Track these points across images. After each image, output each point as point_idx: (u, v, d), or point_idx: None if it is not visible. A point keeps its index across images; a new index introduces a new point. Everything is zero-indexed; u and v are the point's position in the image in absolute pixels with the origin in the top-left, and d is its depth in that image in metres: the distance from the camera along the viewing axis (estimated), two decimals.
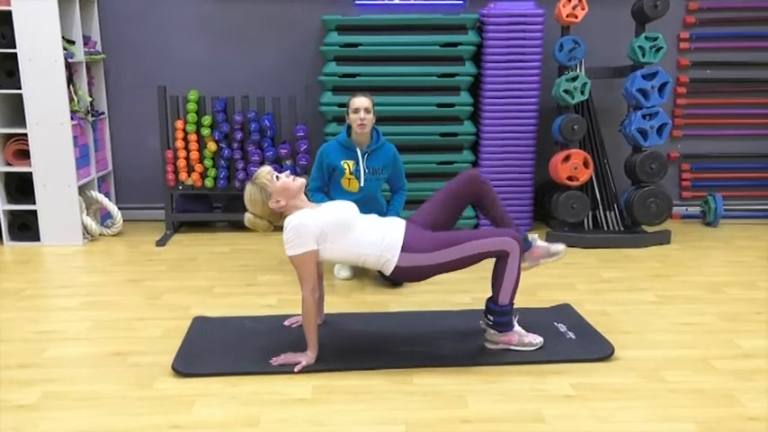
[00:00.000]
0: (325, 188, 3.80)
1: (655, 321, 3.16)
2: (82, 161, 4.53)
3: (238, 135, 4.56)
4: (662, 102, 4.34)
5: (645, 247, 4.39)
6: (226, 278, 3.79)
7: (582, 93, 4.38)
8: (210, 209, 4.94)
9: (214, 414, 2.33)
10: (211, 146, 4.59)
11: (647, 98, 4.31)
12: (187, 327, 3.03)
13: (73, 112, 4.37)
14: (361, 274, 3.85)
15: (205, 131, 4.56)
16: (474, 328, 2.91)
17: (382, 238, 2.66)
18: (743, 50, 5.01)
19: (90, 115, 4.63)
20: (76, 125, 4.45)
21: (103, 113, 4.90)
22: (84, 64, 4.58)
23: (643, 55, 4.30)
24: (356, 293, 3.56)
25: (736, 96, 5.10)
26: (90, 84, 4.73)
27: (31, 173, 4.36)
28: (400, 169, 3.85)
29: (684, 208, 5.17)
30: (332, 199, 3.61)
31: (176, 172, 4.65)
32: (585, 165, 4.40)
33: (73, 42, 4.48)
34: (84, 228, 4.51)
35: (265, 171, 2.72)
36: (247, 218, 2.78)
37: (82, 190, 4.54)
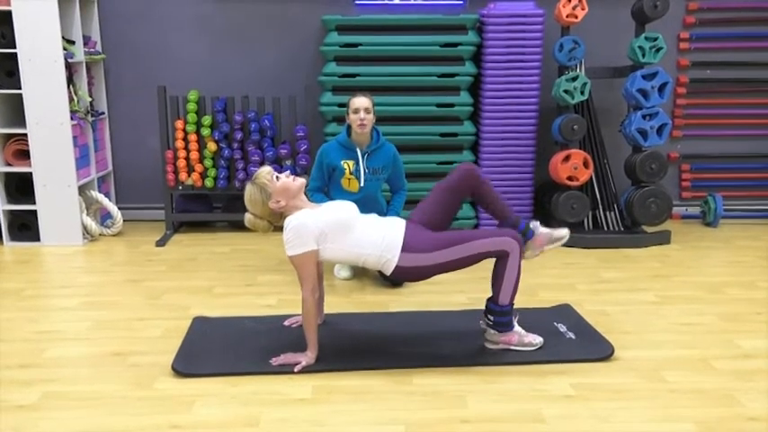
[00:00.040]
0: (325, 188, 3.80)
1: (655, 321, 3.16)
2: (82, 161, 4.53)
3: (238, 135, 4.56)
4: (662, 102, 4.34)
5: (645, 248, 4.39)
6: (226, 278, 3.79)
7: (582, 93, 4.38)
8: (210, 209, 4.94)
9: (214, 414, 2.33)
10: (211, 146, 4.59)
11: (647, 98, 4.31)
12: (187, 327, 3.03)
13: (73, 112, 4.37)
14: (361, 274, 3.85)
15: (205, 131, 4.56)
16: (474, 328, 2.90)
17: (382, 237, 2.66)
18: (743, 51, 5.01)
19: (90, 115, 4.63)
20: (76, 125, 4.45)
21: (103, 113, 4.90)
22: (84, 64, 4.58)
23: (643, 55, 4.30)
24: (356, 293, 3.56)
25: (736, 96, 5.10)
26: (90, 84, 4.73)
27: (31, 173, 4.36)
28: (400, 169, 3.85)
29: (684, 208, 5.17)
30: (332, 199, 3.61)
31: (176, 172, 4.65)
32: (585, 165, 4.41)
33: (73, 42, 4.48)
34: (84, 228, 4.51)
35: (265, 171, 2.72)
36: (247, 218, 2.78)
37: (82, 190, 4.54)
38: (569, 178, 4.39)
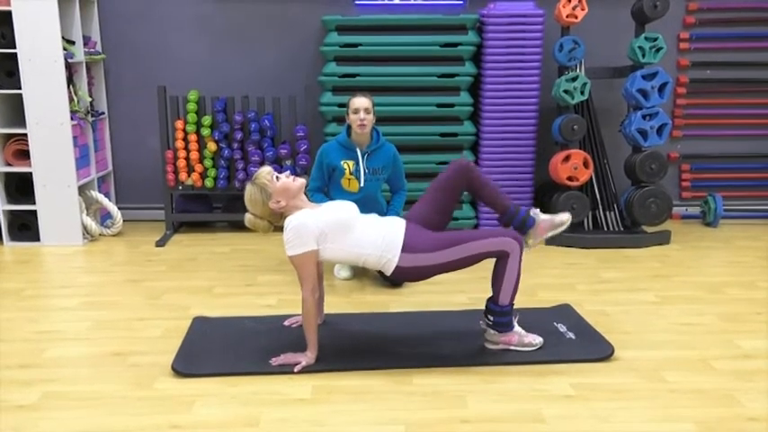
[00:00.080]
0: (325, 188, 3.80)
1: (655, 322, 3.16)
2: (82, 161, 4.53)
3: (238, 135, 4.56)
4: (662, 102, 4.34)
5: (645, 248, 4.39)
6: (226, 278, 3.79)
7: (582, 93, 4.38)
8: (210, 209, 4.94)
9: (214, 414, 2.33)
10: (211, 146, 4.59)
11: (647, 98, 4.31)
12: (187, 327, 3.03)
13: (73, 113, 4.37)
14: (361, 274, 3.85)
15: (205, 131, 4.56)
16: (474, 328, 2.91)
17: (382, 237, 2.66)
18: (743, 51, 5.01)
19: (90, 115, 4.63)
20: (76, 125, 4.45)
21: (103, 113, 4.90)
22: (84, 64, 4.58)
23: (643, 55, 4.31)
24: (356, 294, 3.56)
25: (735, 96, 5.10)
26: (90, 84, 4.73)
27: (31, 173, 4.36)
28: (400, 169, 3.85)
29: (684, 208, 5.17)
30: (332, 199, 3.61)
31: (176, 172, 4.65)
32: (585, 165, 4.41)
33: (73, 42, 4.48)
34: (84, 228, 4.51)
35: (265, 171, 2.72)
36: (248, 218, 2.78)
37: (82, 190, 4.54)
38: (569, 178, 4.39)
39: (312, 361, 2.66)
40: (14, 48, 4.19)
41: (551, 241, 4.43)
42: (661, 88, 4.32)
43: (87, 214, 4.57)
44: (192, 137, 4.60)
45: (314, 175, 3.77)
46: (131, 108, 4.95)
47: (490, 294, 2.76)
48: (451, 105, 4.57)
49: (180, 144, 4.61)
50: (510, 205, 2.86)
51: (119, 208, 4.75)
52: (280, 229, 2.71)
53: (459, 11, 4.78)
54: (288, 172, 2.78)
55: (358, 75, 4.52)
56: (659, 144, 4.40)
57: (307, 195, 2.86)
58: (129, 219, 4.93)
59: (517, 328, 2.80)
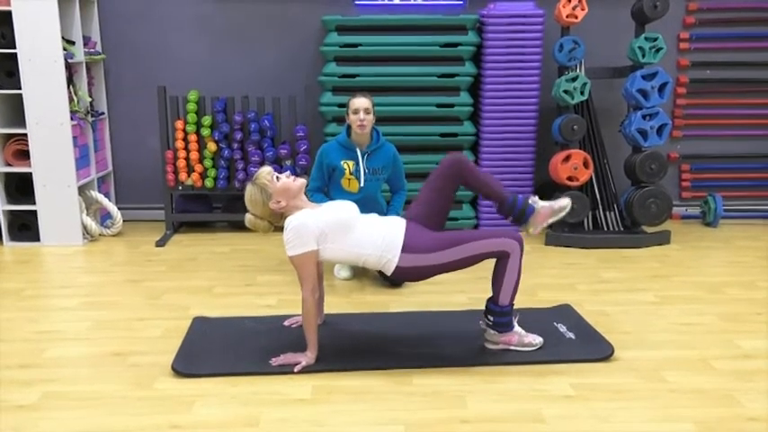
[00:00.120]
0: (325, 188, 3.80)
1: (654, 322, 3.16)
2: (82, 161, 4.53)
3: (238, 135, 4.56)
4: (662, 102, 4.35)
5: (645, 248, 4.39)
6: (225, 278, 3.79)
7: (582, 93, 4.38)
8: (210, 209, 4.94)
9: (214, 414, 2.33)
10: (211, 146, 4.59)
11: (647, 98, 4.31)
12: (187, 327, 3.03)
13: (73, 113, 4.37)
14: (361, 274, 3.85)
15: (205, 132, 4.56)
16: (474, 328, 2.91)
17: (382, 237, 2.66)
18: (743, 51, 5.01)
19: (90, 115, 4.63)
20: (76, 125, 4.45)
21: (103, 113, 4.90)
22: (84, 64, 4.58)
23: (643, 55, 4.31)
24: (356, 294, 3.56)
25: (735, 97, 5.10)
26: (90, 84, 4.73)
27: (30, 173, 4.36)
28: (400, 169, 3.85)
29: (684, 208, 5.17)
30: (332, 199, 3.61)
31: (176, 172, 4.65)
32: (585, 165, 4.41)
33: (73, 43, 4.48)
34: (84, 228, 4.51)
35: (265, 172, 2.72)
36: (248, 218, 2.78)
37: (82, 190, 4.54)
38: (569, 178, 4.39)
39: (312, 361, 2.66)
40: (14, 48, 4.19)
41: (551, 241, 4.43)
42: (661, 88, 4.32)
43: (87, 214, 4.57)
44: (192, 137, 4.60)
45: (314, 175, 3.77)
46: (131, 108, 4.95)
47: (490, 294, 2.76)
48: (451, 105, 4.57)
49: (180, 144, 4.61)
50: (507, 195, 2.82)
51: (119, 208, 4.75)
52: (280, 229, 2.71)
53: (459, 11, 4.78)
54: (288, 172, 2.78)
55: (358, 75, 4.52)
56: (659, 144, 4.40)
57: (307, 195, 2.86)
58: (129, 219, 4.93)
59: (517, 328, 2.80)
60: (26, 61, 4.20)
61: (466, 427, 2.25)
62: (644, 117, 4.34)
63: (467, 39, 4.50)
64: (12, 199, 4.49)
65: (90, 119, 4.63)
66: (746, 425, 2.26)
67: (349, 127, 3.71)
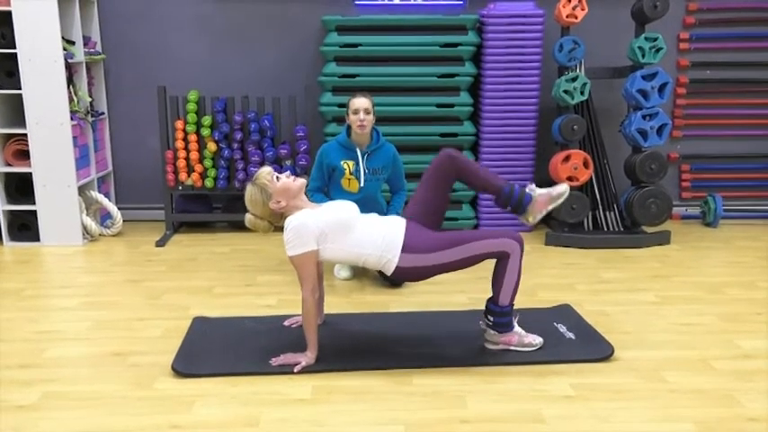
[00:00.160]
0: (325, 188, 3.80)
1: (654, 322, 3.16)
2: (82, 161, 4.53)
3: (238, 135, 4.56)
4: (662, 102, 4.35)
5: (645, 248, 4.39)
6: (225, 278, 3.79)
7: (582, 93, 4.38)
8: (210, 209, 4.94)
9: (214, 414, 2.33)
10: (211, 146, 4.59)
11: (647, 99, 4.31)
12: (187, 327, 3.03)
13: (73, 113, 4.37)
14: (360, 274, 3.85)
15: (205, 132, 4.56)
16: (474, 328, 2.90)
17: (383, 237, 2.66)
18: (743, 51, 5.01)
19: (90, 115, 4.63)
20: (76, 125, 4.45)
21: (103, 113, 4.90)
22: (84, 64, 4.58)
23: (643, 55, 4.31)
24: (356, 294, 3.56)
25: (735, 97, 5.11)
26: (90, 84, 4.74)
27: (30, 173, 4.36)
28: (400, 169, 3.85)
29: (684, 208, 5.17)
30: (332, 199, 3.61)
31: (176, 172, 4.65)
32: (585, 165, 4.41)
33: (73, 43, 4.48)
34: (84, 228, 4.51)
35: (266, 172, 2.72)
36: (248, 218, 2.78)
37: (82, 190, 4.54)
38: (569, 178, 4.39)
39: (312, 361, 2.66)
40: (14, 48, 4.19)
41: (551, 241, 4.43)
42: (661, 88, 4.32)
43: (87, 214, 4.57)
44: (192, 137, 4.60)
45: (314, 175, 3.77)
46: (131, 108, 4.95)
47: (490, 295, 2.76)
48: (451, 105, 4.57)
49: (180, 144, 4.61)
50: (504, 185, 2.80)
51: (119, 208, 4.75)
52: (280, 229, 2.72)
53: (459, 11, 4.78)
54: (288, 172, 2.78)
55: (358, 75, 4.52)
56: (659, 144, 4.40)
57: (307, 195, 2.86)
58: (129, 219, 4.93)
59: (517, 328, 2.80)
60: (26, 61, 4.20)
61: (466, 427, 2.25)
62: (644, 117, 4.35)
63: (467, 39, 4.50)
64: (12, 199, 4.49)
65: (90, 119, 4.63)
66: (746, 425, 2.26)
67: (349, 127, 3.71)
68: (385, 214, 3.65)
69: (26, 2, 4.11)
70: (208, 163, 4.65)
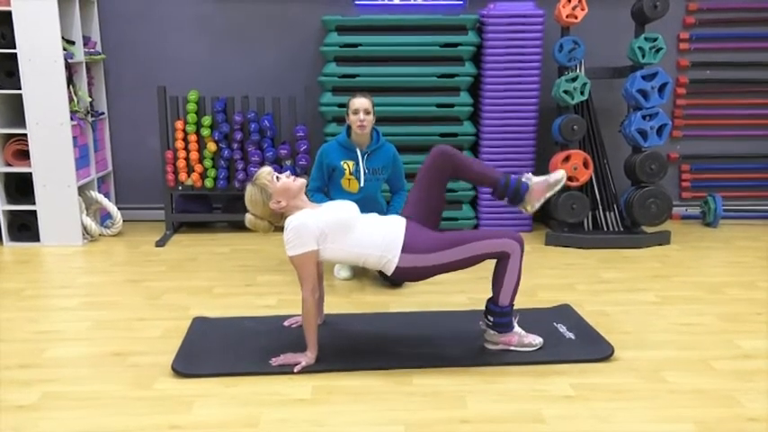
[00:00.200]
0: (325, 188, 3.80)
1: (654, 322, 3.16)
2: (82, 161, 4.53)
3: (238, 135, 4.56)
4: (662, 102, 4.34)
5: (645, 248, 4.39)
6: (225, 278, 3.79)
7: (582, 93, 4.38)
8: (210, 209, 4.94)
9: (214, 414, 2.33)
10: (211, 146, 4.59)
11: (647, 99, 4.31)
12: (187, 327, 3.03)
13: (73, 113, 4.37)
14: (360, 274, 3.85)
15: (205, 132, 4.57)
16: (474, 328, 2.90)
17: (383, 237, 2.66)
18: (742, 51, 5.01)
19: (90, 115, 4.63)
20: (76, 125, 4.45)
21: (103, 114, 4.90)
22: (84, 64, 4.58)
23: (643, 56, 4.30)
24: (356, 294, 3.56)
25: (735, 97, 5.11)
26: (90, 84, 4.73)
27: (30, 173, 4.36)
28: (400, 170, 3.85)
29: (684, 208, 5.17)
30: (332, 199, 3.61)
31: (176, 172, 4.65)
32: (585, 165, 4.41)
33: (73, 43, 4.48)
34: (84, 228, 4.51)
35: (266, 172, 2.72)
36: (248, 219, 2.78)
37: (82, 190, 4.54)
38: (569, 179, 4.39)
39: (312, 361, 2.65)
40: (14, 48, 4.19)
41: (551, 241, 4.43)
42: (661, 89, 4.32)
43: (87, 214, 4.57)
44: (192, 137, 4.60)
45: (314, 175, 3.77)
46: (131, 108, 4.95)
47: (490, 295, 2.76)
48: (451, 106, 4.57)
49: (180, 144, 4.61)
50: (499, 177, 2.79)
51: (119, 208, 4.75)
52: (280, 229, 2.71)
53: (459, 11, 4.78)
54: (288, 172, 2.78)
55: (358, 75, 4.52)
56: (659, 144, 4.40)
57: (307, 195, 2.86)
58: (128, 219, 4.93)
59: (517, 328, 2.80)
60: (26, 61, 4.20)
61: (466, 427, 2.25)
62: (644, 117, 4.34)
63: (467, 39, 4.50)
64: (12, 199, 4.49)
65: (90, 119, 4.63)
66: (746, 425, 2.26)
67: (349, 127, 3.71)
68: (385, 214, 3.65)
69: (26, 2, 4.11)
70: (208, 163, 4.65)
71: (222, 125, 4.55)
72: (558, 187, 2.82)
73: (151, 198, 5.00)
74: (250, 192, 2.73)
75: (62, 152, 4.33)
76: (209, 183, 4.64)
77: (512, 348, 2.79)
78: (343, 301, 3.43)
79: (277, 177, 2.71)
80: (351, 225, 2.67)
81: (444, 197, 2.87)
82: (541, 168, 4.68)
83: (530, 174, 2.84)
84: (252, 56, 4.89)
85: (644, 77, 4.30)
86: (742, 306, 3.36)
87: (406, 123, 4.58)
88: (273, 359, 2.67)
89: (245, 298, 3.49)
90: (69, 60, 4.35)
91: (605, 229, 4.63)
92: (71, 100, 4.34)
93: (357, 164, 3.69)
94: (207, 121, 4.56)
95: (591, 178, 4.59)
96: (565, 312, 3.21)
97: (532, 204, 2.80)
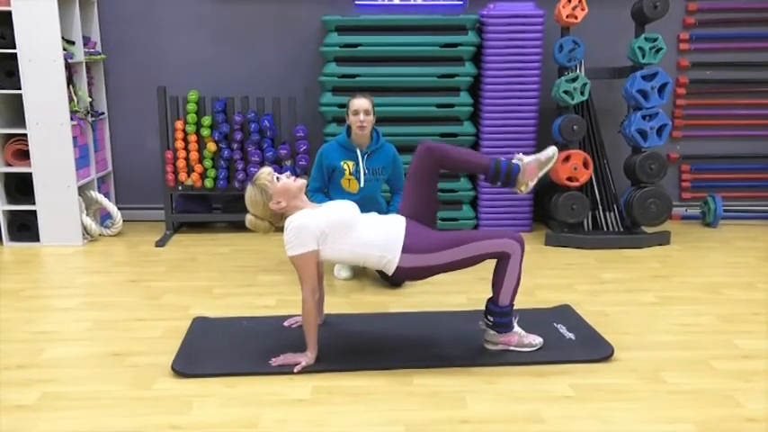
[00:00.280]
0: (325, 189, 3.80)
1: (654, 322, 3.16)
2: (81, 161, 4.53)
3: (238, 135, 4.56)
4: (662, 103, 4.34)
5: (644, 248, 4.39)
6: (225, 279, 3.79)
7: (582, 93, 4.38)
8: (210, 209, 4.94)
9: (213, 415, 2.33)
10: (211, 146, 4.59)
11: (647, 99, 4.31)
12: (186, 327, 3.03)
13: (73, 113, 4.37)
14: (360, 274, 3.85)
15: (205, 132, 4.57)
16: (474, 328, 2.90)
17: (383, 238, 2.66)
18: (742, 51, 5.01)
19: (90, 115, 4.63)
20: (76, 125, 4.45)
21: (103, 114, 4.90)
22: (84, 64, 4.58)
23: (643, 56, 4.30)
24: (356, 294, 3.56)
25: (735, 97, 5.10)
26: (90, 84, 4.74)
27: (30, 173, 4.36)
28: (400, 170, 3.85)
29: (684, 209, 5.17)
30: (332, 199, 3.60)
31: (176, 172, 4.65)
32: (585, 165, 4.41)
33: (73, 43, 4.48)
34: (84, 228, 4.51)
35: (266, 172, 2.72)
36: (248, 219, 2.78)
37: (82, 190, 4.54)
38: (569, 179, 4.39)
39: (312, 361, 2.65)
40: (14, 48, 4.19)
41: (551, 241, 4.43)
42: (661, 89, 4.32)
43: (87, 214, 4.57)
44: (192, 137, 4.60)
45: (314, 175, 3.77)
46: (131, 108, 4.95)
47: (490, 295, 2.76)
48: (451, 106, 4.57)
49: (180, 144, 4.61)
50: (489, 162, 2.78)
51: (119, 208, 4.75)
52: (280, 229, 2.72)
53: (459, 11, 4.78)
54: (288, 172, 2.78)
55: (358, 75, 4.52)
56: (659, 145, 4.40)
57: (307, 196, 2.86)
58: (128, 219, 4.93)
59: (517, 328, 2.80)
60: (26, 61, 4.20)
61: (466, 427, 2.25)
62: (644, 117, 4.34)
63: (467, 39, 4.50)
64: (12, 199, 4.49)
65: (90, 119, 4.63)
66: (746, 425, 2.26)
67: (349, 127, 3.71)
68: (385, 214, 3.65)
69: (26, 2, 4.12)
70: (208, 163, 4.65)
71: (222, 125, 4.55)
72: (551, 164, 2.81)
73: (151, 198, 5.00)
74: (250, 192, 2.73)
75: (62, 152, 4.33)
76: (209, 183, 4.64)
77: (512, 348, 2.79)
78: (343, 302, 3.43)
79: (277, 178, 2.71)
80: (351, 225, 2.67)
81: (437, 194, 2.87)
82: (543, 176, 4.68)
83: (520, 154, 2.82)
84: (252, 56, 4.89)
85: (644, 78, 4.30)
86: (742, 306, 3.36)
87: (406, 123, 4.58)
88: (273, 359, 2.67)
89: (245, 298, 3.49)
90: (69, 60, 4.35)
91: (605, 229, 4.63)
92: (71, 100, 4.34)
93: (357, 164, 3.69)
94: (207, 121, 4.56)
95: (591, 178, 4.58)
96: (565, 313, 3.21)
97: (527, 184, 2.79)
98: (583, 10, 4.35)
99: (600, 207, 4.65)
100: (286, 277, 3.76)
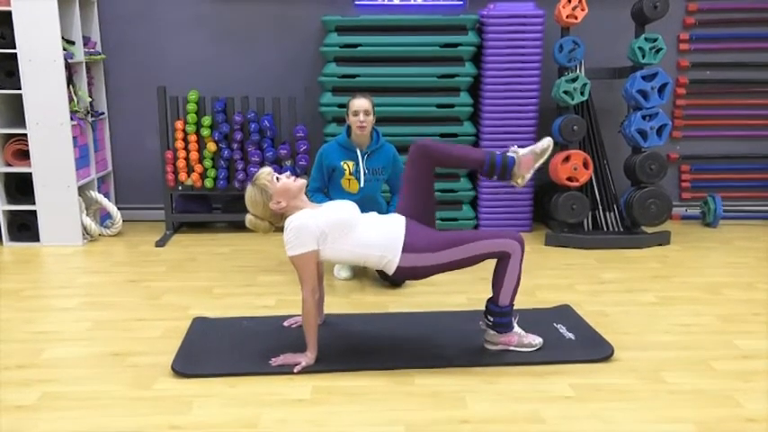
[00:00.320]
0: (325, 189, 3.80)
1: (654, 322, 3.16)
2: (81, 161, 4.53)
3: (238, 135, 4.56)
4: (662, 103, 4.34)
5: (644, 248, 4.39)
6: (225, 279, 3.79)
7: (582, 94, 4.38)
8: (210, 209, 4.94)
9: (213, 415, 2.33)
10: (211, 146, 4.59)
11: (647, 99, 4.31)
12: (186, 327, 3.03)
13: (73, 113, 4.37)
14: (360, 274, 3.85)
15: (205, 132, 4.57)
16: (474, 328, 2.90)
17: (384, 237, 2.66)
18: (742, 51, 5.01)
19: (90, 115, 4.63)
20: (76, 125, 4.45)
21: (103, 114, 4.90)
22: (84, 64, 4.58)
23: (643, 56, 4.31)
24: (356, 294, 3.56)
25: (735, 97, 5.11)
26: (90, 84, 4.74)
27: (30, 173, 4.36)
28: (400, 170, 3.84)
29: (684, 209, 5.17)
30: (332, 199, 3.60)
31: (176, 172, 4.65)
32: (585, 165, 4.41)
33: (73, 43, 4.48)
34: (84, 228, 4.51)
35: (266, 172, 2.72)
36: (248, 219, 2.78)
37: (82, 190, 4.54)
38: (569, 179, 4.39)
39: (312, 361, 2.65)
40: (14, 48, 4.19)
41: (551, 241, 4.43)
42: (661, 89, 4.32)
43: (87, 214, 4.57)
44: (192, 137, 4.60)
45: (314, 175, 3.77)
46: (131, 108, 4.95)
47: (490, 295, 2.76)
48: (451, 106, 4.57)
49: (180, 144, 4.61)
50: (484, 157, 2.77)
51: (118, 208, 4.75)
52: (280, 229, 2.71)
53: (459, 11, 4.78)
54: (288, 172, 2.78)
55: (358, 75, 4.52)
56: (659, 145, 4.40)
57: (307, 196, 2.86)
58: (128, 219, 4.93)
59: (517, 328, 2.80)
60: (26, 61, 4.20)
61: (466, 427, 2.25)
62: (644, 118, 4.35)
63: (467, 39, 4.50)
64: (12, 199, 4.49)
65: (90, 119, 4.63)
66: (746, 425, 2.26)
67: (349, 127, 3.71)
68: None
69: (26, 2, 4.12)
70: (208, 163, 4.65)
71: (222, 125, 4.55)
72: (547, 155, 2.80)
73: (151, 198, 5.00)
74: (250, 192, 2.73)
75: (62, 152, 4.33)
76: (209, 183, 4.64)
77: (512, 348, 2.79)
78: (343, 302, 3.43)
79: (277, 178, 2.71)
80: (351, 225, 2.67)
81: (434, 194, 2.86)
82: (541, 168, 4.67)
83: (515, 146, 2.81)
84: (252, 56, 4.89)
85: (644, 78, 4.30)
86: (742, 306, 3.36)
87: (406, 124, 4.58)
88: (273, 359, 2.67)
89: (245, 298, 3.49)
90: (69, 60, 4.35)
91: (605, 229, 4.63)
92: (71, 100, 4.34)
93: (357, 164, 3.69)
94: (207, 121, 4.56)
95: (591, 178, 4.58)
96: (565, 313, 3.21)
97: (523, 177, 2.78)
98: (583, 10, 4.35)
99: (600, 207, 4.65)
100: (286, 277, 3.76)
